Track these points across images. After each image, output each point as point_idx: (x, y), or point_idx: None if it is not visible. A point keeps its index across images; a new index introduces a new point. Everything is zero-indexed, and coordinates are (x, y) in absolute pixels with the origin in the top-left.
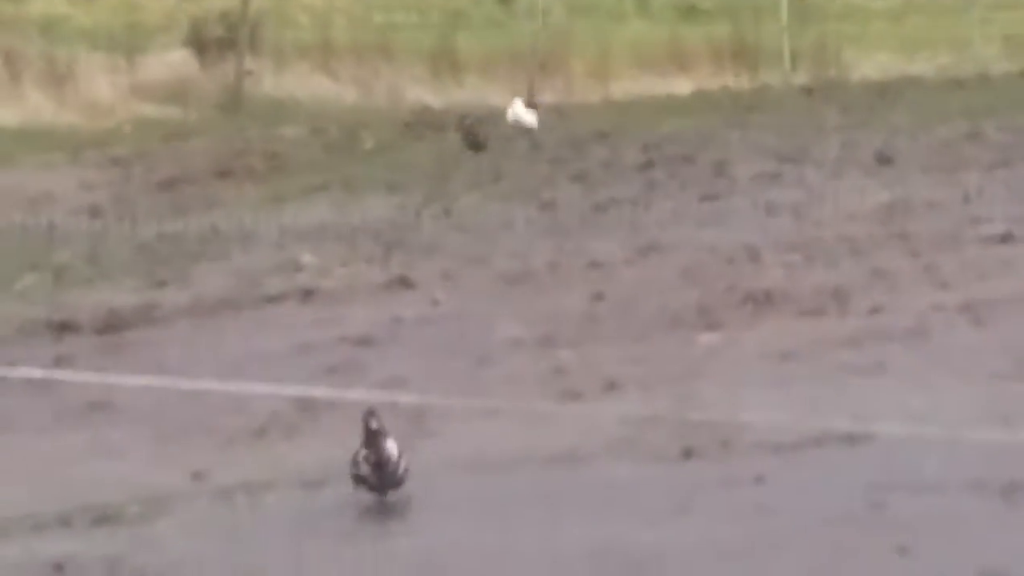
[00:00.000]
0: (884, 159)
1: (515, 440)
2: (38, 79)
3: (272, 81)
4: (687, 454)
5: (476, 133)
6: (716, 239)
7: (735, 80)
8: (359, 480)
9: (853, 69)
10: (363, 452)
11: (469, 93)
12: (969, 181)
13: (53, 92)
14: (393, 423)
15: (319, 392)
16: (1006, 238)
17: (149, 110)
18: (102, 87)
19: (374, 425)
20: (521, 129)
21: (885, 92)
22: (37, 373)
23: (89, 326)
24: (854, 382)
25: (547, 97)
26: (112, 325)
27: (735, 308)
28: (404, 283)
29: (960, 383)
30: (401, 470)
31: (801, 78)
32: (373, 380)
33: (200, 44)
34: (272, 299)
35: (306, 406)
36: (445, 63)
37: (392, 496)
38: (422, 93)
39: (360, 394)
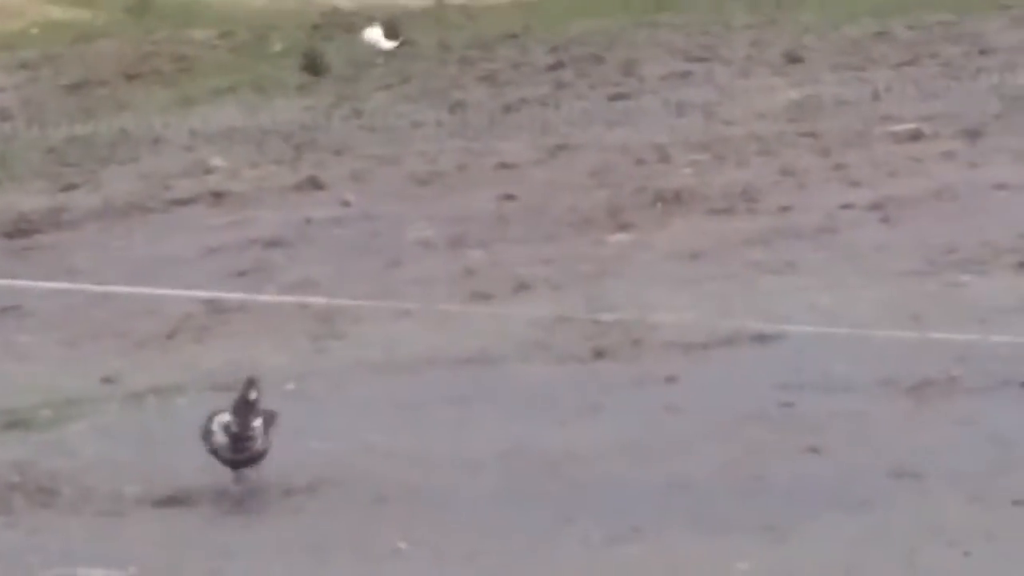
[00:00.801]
0: (793, 58)
1: (426, 341)
2: None
3: None
4: (598, 354)
5: (316, 58)
6: (625, 139)
7: None
8: (211, 448)
9: None
10: (226, 418)
11: None
12: (878, 79)
13: None
14: (303, 325)
15: (229, 295)
16: (915, 136)
17: (57, 12)
18: None
19: (252, 396)
20: (376, 51)
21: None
22: None
23: None
24: (764, 281)
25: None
26: (21, 229)
27: (645, 208)
28: (314, 184)
29: (870, 281)
30: (260, 446)
31: None
32: (283, 282)
33: None
34: (182, 202)
35: (216, 308)
36: None
37: (247, 472)
38: None
39: (270, 296)
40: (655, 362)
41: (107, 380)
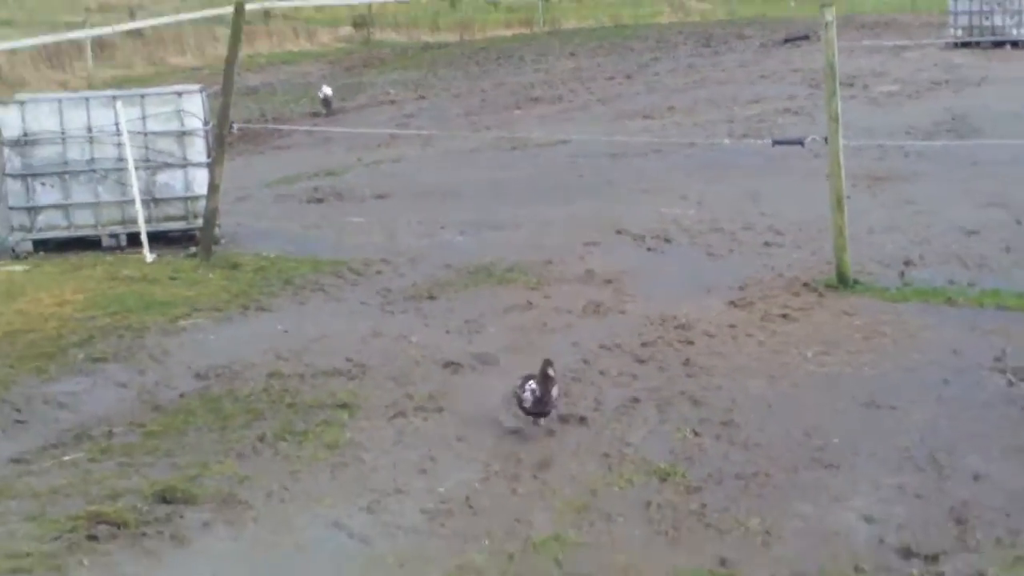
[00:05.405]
0: (572, 54)
1: (462, 145)
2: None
3: (380, 35)
4: (511, 149)
5: (328, 105)
6: (518, 82)
7: (525, 31)
8: (519, 401)
9: (565, 23)
10: (533, 385)
11: (434, 35)
12: (598, 61)
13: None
14: (416, 142)
15: (398, 131)
16: (611, 77)
17: (335, 45)
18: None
19: (551, 372)
20: (324, 99)
21: (575, 34)
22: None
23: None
24: (565, 124)
25: (450, 38)
26: (332, 111)
27: (527, 102)
28: (419, 96)
29: (599, 123)
30: (552, 407)
31: (545, 28)
32: (415, 126)
33: (355, 23)
34: (377, 103)
35: (393, 137)
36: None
37: (538, 422)
38: (429, 37)
39: (413, 132)
40: (530, 151)
41: (359, 160)
